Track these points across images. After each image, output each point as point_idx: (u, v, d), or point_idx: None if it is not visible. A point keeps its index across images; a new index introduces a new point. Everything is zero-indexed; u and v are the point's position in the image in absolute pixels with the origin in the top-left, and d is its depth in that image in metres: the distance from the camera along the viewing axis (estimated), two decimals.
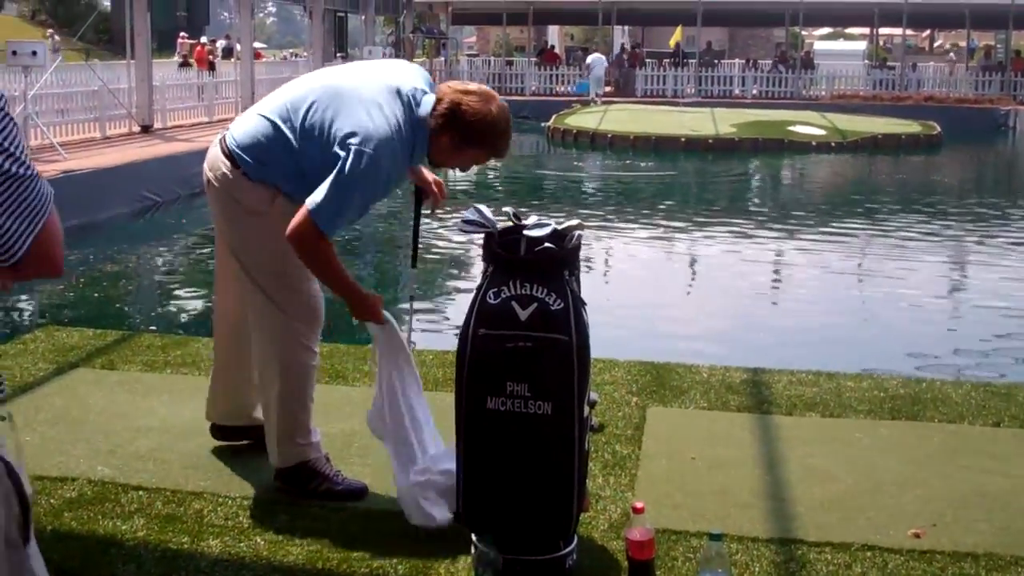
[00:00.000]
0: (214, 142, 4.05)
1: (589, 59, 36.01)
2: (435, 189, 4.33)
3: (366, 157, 3.66)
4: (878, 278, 11.71)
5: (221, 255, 4.29)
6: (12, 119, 1.72)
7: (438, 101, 3.84)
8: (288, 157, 3.84)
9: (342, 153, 3.67)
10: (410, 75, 3.97)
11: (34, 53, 15.32)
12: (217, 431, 4.57)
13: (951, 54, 51.03)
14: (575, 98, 33.02)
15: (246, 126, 3.95)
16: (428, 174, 4.33)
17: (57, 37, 28.78)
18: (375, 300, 3.98)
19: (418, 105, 3.85)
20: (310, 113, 3.81)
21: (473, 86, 3.92)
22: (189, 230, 13.96)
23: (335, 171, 3.66)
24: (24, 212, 1.72)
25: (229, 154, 3.92)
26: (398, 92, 3.84)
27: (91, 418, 4.95)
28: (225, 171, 3.92)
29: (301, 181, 3.80)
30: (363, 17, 33.44)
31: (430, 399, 5.08)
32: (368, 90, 3.82)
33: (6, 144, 1.70)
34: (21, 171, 1.71)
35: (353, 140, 3.68)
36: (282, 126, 3.85)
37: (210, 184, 4.01)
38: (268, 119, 3.89)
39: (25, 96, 15.45)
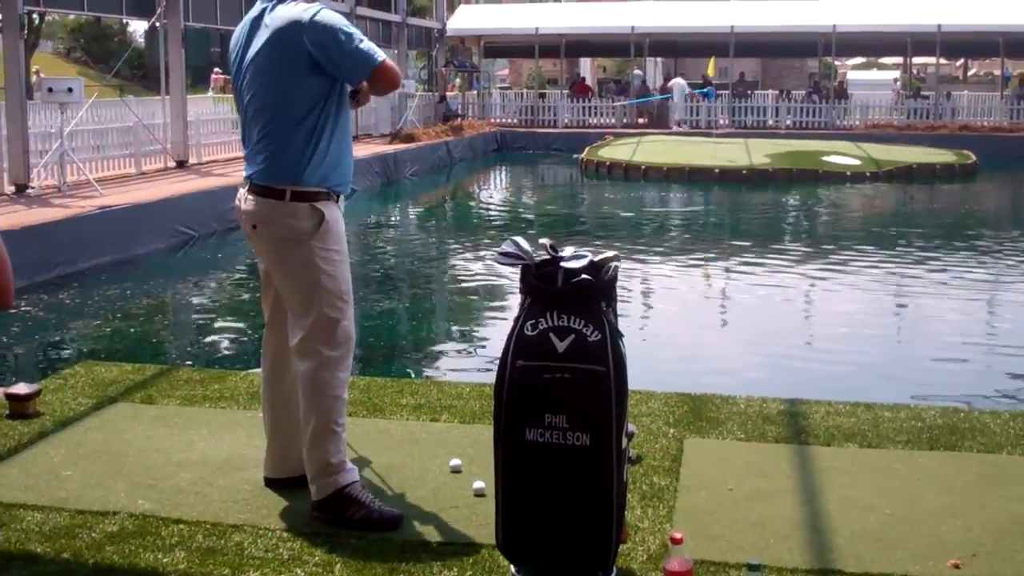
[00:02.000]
0: (241, 197, 4.20)
1: (670, 83, 36.15)
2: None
3: (321, 15, 3.93)
4: (915, 308, 11.65)
5: (270, 301, 4.41)
6: None
7: None
8: (288, 128, 4.01)
9: (303, 37, 3.90)
10: None
11: (70, 90, 15.50)
12: (269, 483, 4.56)
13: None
14: (608, 130, 33.09)
15: (250, 159, 4.15)
16: None
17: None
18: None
19: None
20: (256, 85, 4.07)
21: None
22: (224, 265, 14.07)
23: (329, 49, 3.90)
24: None
25: (265, 190, 4.07)
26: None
27: (131, 452, 4.98)
28: (269, 209, 4.07)
29: (313, 135, 4.03)
30: (396, 51, 33.64)
31: (467, 432, 5.10)
32: (257, 25, 4.09)
33: None
34: None
35: (298, 23, 3.92)
36: (263, 119, 4.06)
37: (255, 230, 4.15)
38: (250, 129, 4.13)
39: (61, 133, 15.63)
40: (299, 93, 3.99)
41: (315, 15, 3.92)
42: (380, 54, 3.96)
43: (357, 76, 4.04)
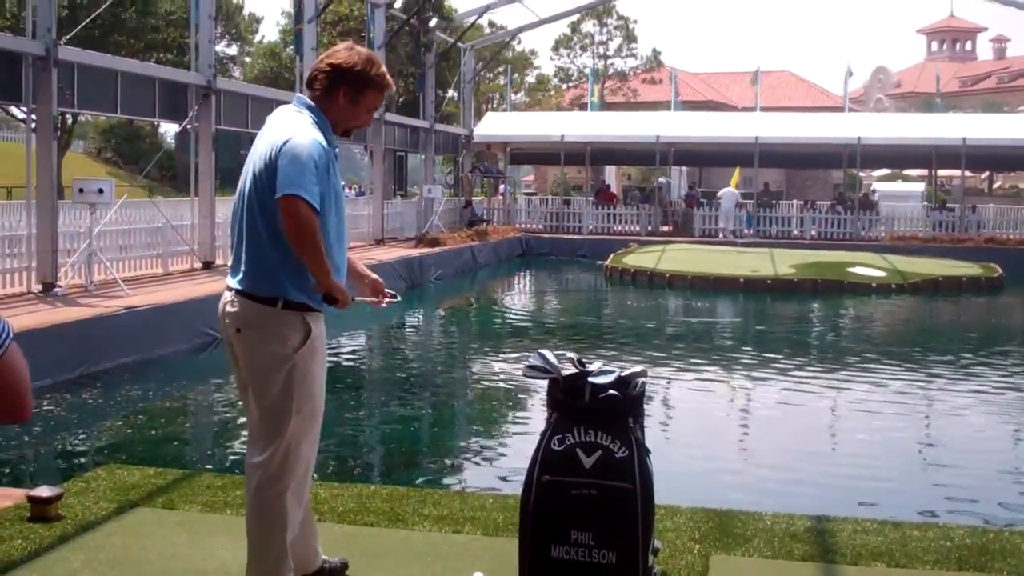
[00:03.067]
0: (227, 300, 4.20)
1: (720, 193, 36.36)
2: (375, 286, 4.50)
3: (299, 139, 3.96)
4: (942, 423, 11.55)
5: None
6: None
7: (313, 78, 4.20)
8: (276, 241, 4.02)
9: (272, 157, 3.96)
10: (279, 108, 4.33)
11: (101, 191, 15.71)
12: None
13: None
14: (632, 237, 33.26)
15: (236, 266, 4.19)
16: (368, 274, 4.51)
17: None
18: (342, 288, 4.09)
19: (296, 100, 4.23)
20: (243, 199, 4.13)
21: (336, 47, 4.25)
22: None
23: (283, 160, 3.91)
24: None
25: (254, 297, 4.10)
26: (276, 116, 4.24)
27: (151, 559, 4.94)
28: (257, 314, 4.10)
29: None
30: (423, 156, 34.07)
31: (490, 544, 5.04)
32: (257, 140, 4.18)
33: None
34: None
35: (280, 140, 3.98)
36: (251, 226, 4.10)
37: (239, 333, 4.14)
38: (239, 241, 4.16)
39: (90, 232, 15.81)
40: (274, 207, 3.99)
41: (288, 140, 3.98)
42: (302, 190, 3.88)
43: (276, 191, 3.94)
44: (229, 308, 4.16)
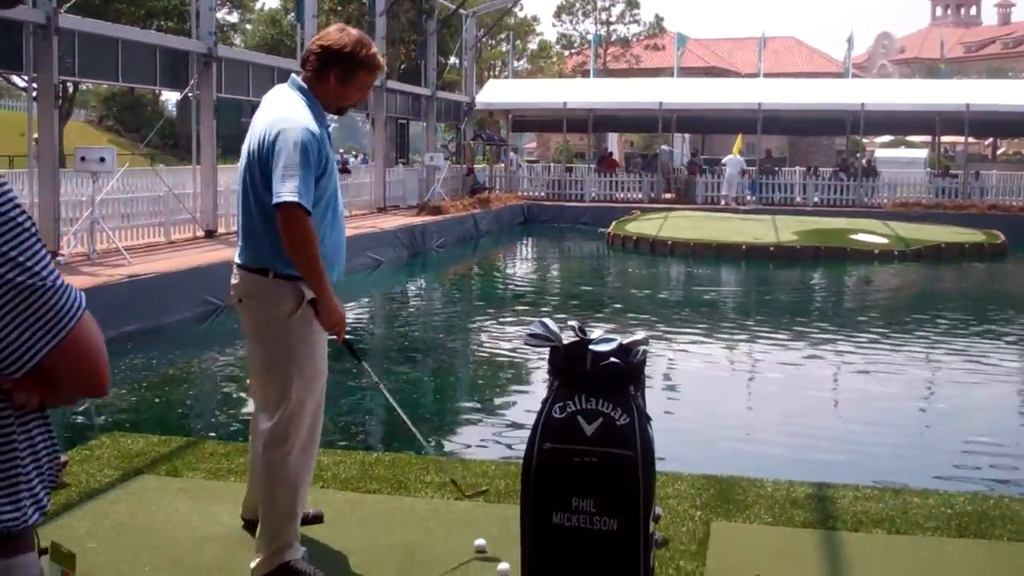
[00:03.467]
0: (234, 274, 4.44)
1: (724, 160, 36.27)
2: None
3: (289, 131, 4.09)
4: (943, 390, 11.58)
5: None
6: (23, 227, 1.67)
7: (305, 59, 4.36)
8: (265, 219, 4.19)
9: (271, 145, 4.10)
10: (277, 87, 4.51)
11: (102, 159, 15.68)
12: (249, 527, 4.73)
13: None
14: (635, 204, 33.24)
15: (241, 238, 4.39)
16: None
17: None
18: (342, 315, 4.30)
19: (290, 81, 4.38)
20: (243, 176, 4.30)
21: (328, 29, 4.42)
22: None
23: (276, 159, 4.06)
24: (35, 324, 1.66)
25: (249, 268, 4.32)
26: (272, 94, 4.41)
27: (156, 526, 4.98)
28: (253, 285, 4.32)
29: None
30: (424, 124, 33.97)
31: (492, 511, 5.07)
32: (256, 118, 4.35)
33: (13, 254, 1.65)
34: (32, 282, 1.65)
35: (272, 129, 4.13)
36: (248, 203, 4.29)
37: (242, 303, 4.40)
38: (240, 217, 4.38)
39: (93, 201, 15.81)
40: (268, 188, 4.15)
41: (276, 133, 4.12)
42: (292, 194, 4.02)
43: (272, 196, 4.08)
44: (232, 280, 4.42)
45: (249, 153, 4.25)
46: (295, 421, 4.30)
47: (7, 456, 1.73)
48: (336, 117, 4.53)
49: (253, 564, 4.30)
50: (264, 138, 4.16)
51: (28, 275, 1.66)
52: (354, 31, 4.37)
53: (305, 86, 4.33)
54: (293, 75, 4.43)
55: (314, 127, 4.16)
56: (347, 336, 4.46)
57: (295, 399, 4.28)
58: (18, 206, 1.68)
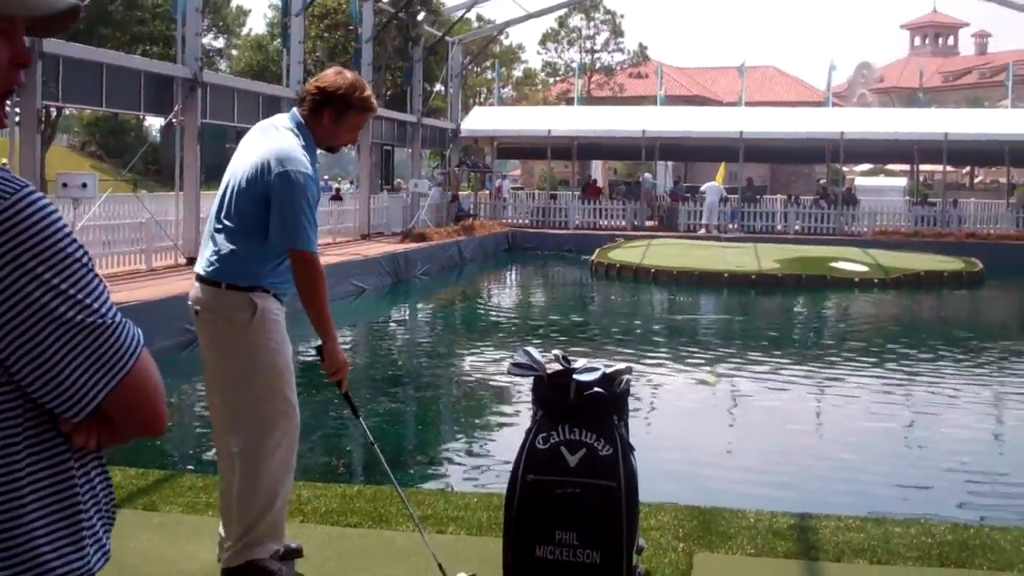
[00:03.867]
0: (193, 286, 4.60)
1: (704, 187, 36.41)
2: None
3: (294, 173, 4.28)
4: (924, 419, 11.61)
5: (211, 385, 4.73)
6: (80, 262, 1.63)
7: (302, 99, 4.56)
8: (239, 238, 4.38)
9: (270, 180, 4.27)
10: (276, 116, 4.72)
11: (84, 185, 15.64)
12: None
13: None
14: (618, 232, 33.33)
15: (202, 253, 4.55)
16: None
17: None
18: (344, 361, 4.49)
19: (290, 116, 4.55)
20: (224, 194, 4.47)
21: (326, 71, 4.63)
22: None
23: (275, 204, 4.27)
24: (95, 364, 1.61)
25: (205, 279, 4.46)
26: (272, 125, 4.57)
27: (133, 561, 4.92)
28: (209, 296, 4.45)
29: (257, 252, 4.38)
30: (410, 151, 34.02)
31: (474, 544, 5.05)
32: (252, 145, 4.50)
33: (72, 291, 1.60)
34: (91, 319, 1.61)
35: (275, 165, 4.29)
36: (224, 221, 4.45)
37: (199, 315, 4.53)
38: (213, 223, 4.51)
39: (74, 227, 15.74)
40: (252, 212, 4.37)
41: (277, 174, 4.29)
42: (310, 243, 4.31)
43: (278, 239, 4.33)
44: (191, 292, 4.59)
45: (239, 182, 4.40)
46: (267, 426, 4.42)
47: (69, 500, 1.66)
48: (317, 164, 4.65)
49: (222, 556, 4.45)
50: (262, 169, 4.33)
51: (88, 313, 1.62)
52: (350, 74, 4.55)
53: (302, 122, 4.51)
54: (294, 109, 4.59)
55: (309, 168, 4.37)
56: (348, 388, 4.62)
57: (262, 405, 4.42)
58: (73, 239, 1.64)
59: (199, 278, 4.51)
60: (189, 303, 4.60)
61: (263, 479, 4.41)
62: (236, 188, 4.42)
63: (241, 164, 4.47)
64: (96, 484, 1.74)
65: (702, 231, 34.22)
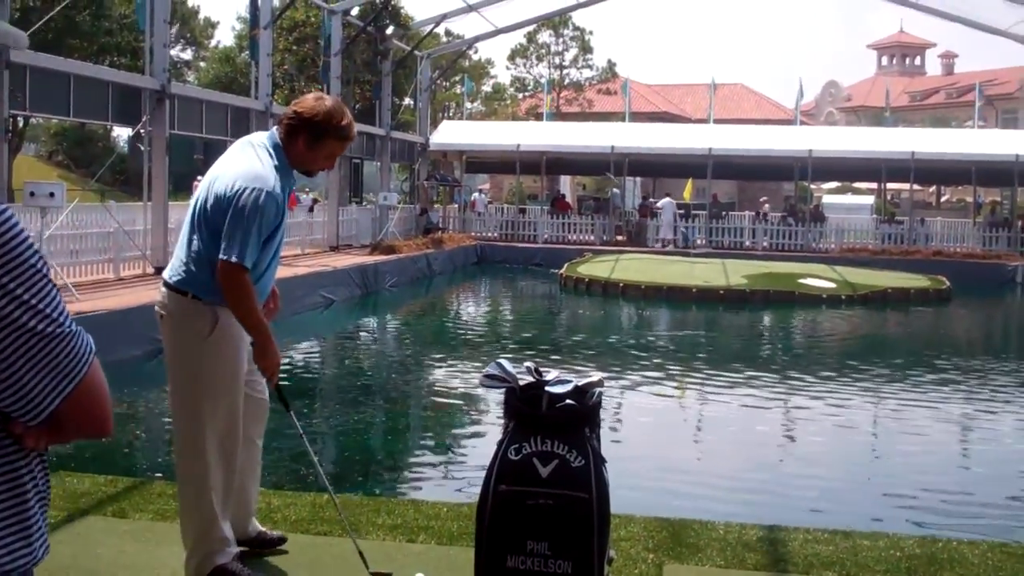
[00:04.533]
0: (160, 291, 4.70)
1: (660, 204, 36.64)
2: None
3: (252, 191, 4.34)
4: (891, 434, 11.68)
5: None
6: (39, 271, 1.66)
7: (280, 121, 4.62)
8: (208, 250, 4.45)
9: (234, 198, 4.34)
10: (256, 134, 4.79)
11: (52, 195, 15.54)
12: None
13: None
14: (587, 246, 33.42)
15: (173, 260, 4.67)
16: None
17: None
18: (277, 353, 4.57)
19: (269, 136, 4.61)
20: (197, 204, 4.54)
21: (306, 96, 4.69)
22: None
23: (229, 215, 4.32)
24: (53, 371, 1.66)
25: (172, 287, 4.57)
26: (249, 143, 4.63)
27: (101, 568, 4.90)
28: (174, 303, 4.56)
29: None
30: (379, 164, 33.99)
31: (444, 554, 5.04)
32: (227, 159, 4.59)
33: (34, 301, 1.64)
34: (50, 329, 1.65)
35: (238, 182, 4.37)
36: (194, 232, 4.53)
37: (163, 319, 4.63)
38: (184, 240, 4.59)
39: (41, 237, 15.63)
40: (218, 227, 4.41)
41: (240, 190, 4.36)
42: (237, 255, 4.32)
43: (221, 251, 4.36)
44: (157, 296, 4.70)
45: (207, 196, 4.47)
46: (202, 436, 4.52)
47: (20, 498, 1.73)
48: (294, 184, 4.78)
49: (185, 567, 4.58)
50: (229, 186, 4.38)
51: (48, 323, 1.66)
52: (330, 101, 4.59)
53: (279, 143, 4.56)
54: (274, 129, 4.66)
55: (277, 189, 4.42)
56: (281, 382, 4.74)
57: (201, 414, 4.51)
58: (34, 249, 1.68)
59: (167, 284, 4.59)
60: (155, 307, 4.68)
61: (205, 488, 4.54)
62: (206, 200, 4.47)
63: (214, 177, 4.52)
64: (38, 476, 1.79)
65: (658, 245, 34.52)
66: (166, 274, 4.63)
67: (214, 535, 4.54)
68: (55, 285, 1.70)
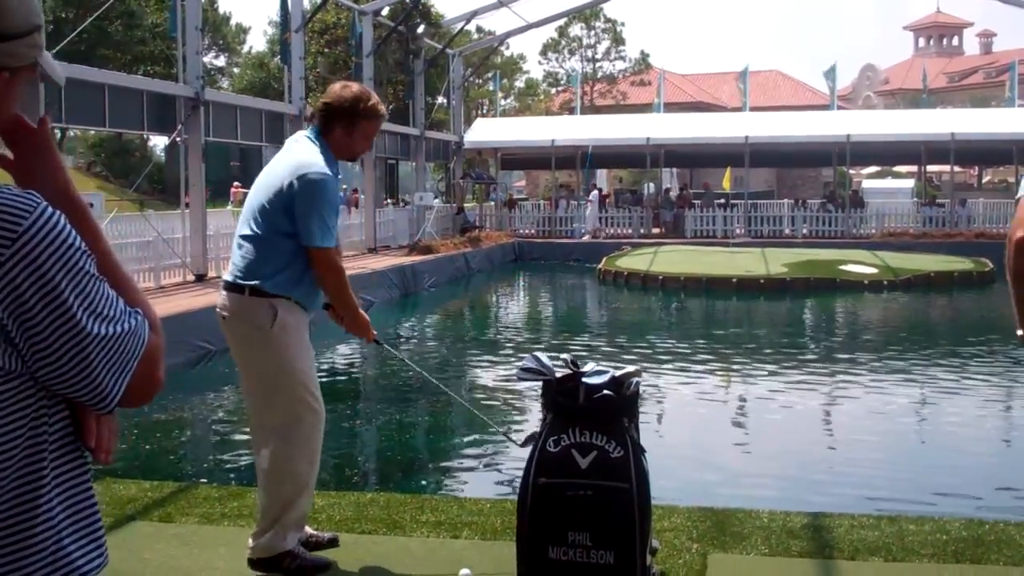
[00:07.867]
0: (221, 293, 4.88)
1: (591, 196, 36.80)
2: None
3: (310, 176, 4.56)
4: (936, 417, 11.58)
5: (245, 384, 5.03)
6: (97, 276, 1.70)
7: (313, 115, 4.92)
8: (261, 246, 4.66)
9: (292, 188, 4.54)
10: (297, 132, 5.02)
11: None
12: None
13: None
14: (625, 240, 33.33)
15: (231, 261, 4.86)
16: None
17: None
18: (366, 320, 4.97)
19: (311, 129, 4.84)
20: (251, 204, 4.73)
21: (332, 86, 4.93)
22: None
23: (296, 209, 4.55)
24: (118, 364, 1.72)
25: (232, 286, 4.73)
26: (294, 139, 4.87)
27: (149, 573, 4.94)
28: (233, 301, 4.73)
29: (287, 262, 4.66)
30: (414, 164, 34.05)
31: (488, 549, 5.05)
32: (278, 159, 4.82)
33: (95, 305, 1.68)
34: (114, 330, 1.70)
35: (298, 171, 4.57)
36: (249, 230, 4.72)
37: (225, 320, 4.80)
38: (240, 231, 4.78)
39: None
40: (278, 221, 4.63)
41: (306, 175, 4.57)
42: (325, 240, 4.62)
43: (305, 240, 4.62)
44: (218, 299, 4.86)
45: (267, 193, 4.65)
46: (292, 421, 4.69)
47: (93, 507, 1.78)
48: (340, 175, 4.93)
49: (251, 544, 4.73)
50: (287, 180, 4.58)
51: (109, 323, 1.70)
52: (355, 86, 4.84)
53: (320, 133, 4.79)
54: (313, 124, 4.89)
55: (329, 170, 4.62)
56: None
57: (287, 402, 4.70)
58: (86, 252, 1.70)
59: (225, 285, 4.78)
60: (216, 309, 4.86)
61: (288, 472, 4.68)
62: (261, 198, 4.68)
63: (266, 176, 4.73)
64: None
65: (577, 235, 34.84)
66: (225, 276, 4.84)
67: (289, 519, 4.71)
68: (103, 279, 1.72)
